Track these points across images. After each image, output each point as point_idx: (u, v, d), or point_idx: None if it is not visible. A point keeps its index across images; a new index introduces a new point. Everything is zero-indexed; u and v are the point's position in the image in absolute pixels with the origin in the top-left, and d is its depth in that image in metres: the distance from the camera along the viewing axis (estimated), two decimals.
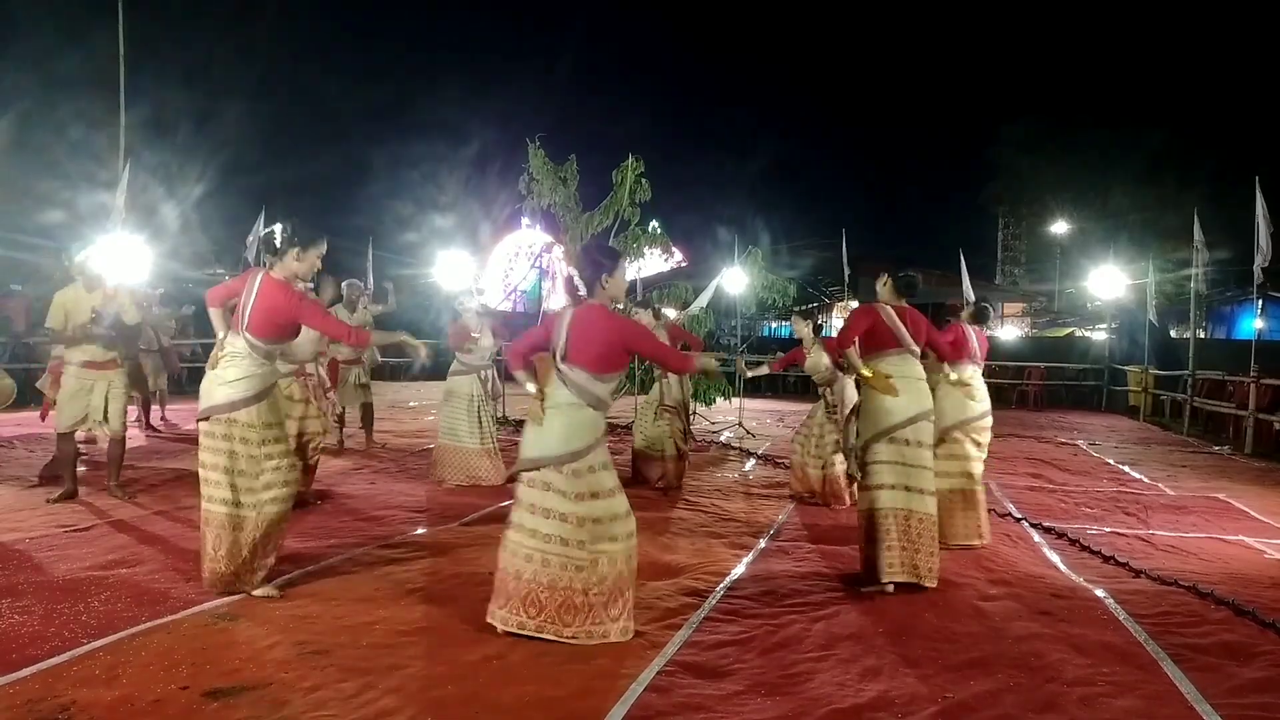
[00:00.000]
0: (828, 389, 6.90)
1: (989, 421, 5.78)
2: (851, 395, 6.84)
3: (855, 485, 5.25)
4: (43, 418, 6.84)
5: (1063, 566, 5.06)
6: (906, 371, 4.52)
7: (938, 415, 4.95)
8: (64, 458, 5.95)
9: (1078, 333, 27.04)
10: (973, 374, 5.71)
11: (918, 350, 4.62)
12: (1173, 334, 21.46)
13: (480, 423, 7.13)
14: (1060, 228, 34.42)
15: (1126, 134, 29.80)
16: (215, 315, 4.16)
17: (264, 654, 3.25)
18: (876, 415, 4.46)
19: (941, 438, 5.35)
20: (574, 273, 3.68)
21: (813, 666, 3.37)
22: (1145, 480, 8.53)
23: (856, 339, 4.64)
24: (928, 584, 4.35)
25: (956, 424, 5.57)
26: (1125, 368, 17.80)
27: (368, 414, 9.08)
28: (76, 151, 17.27)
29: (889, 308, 4.62)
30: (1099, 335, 23.20)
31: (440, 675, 3.13)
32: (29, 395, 9.56)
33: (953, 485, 5.41)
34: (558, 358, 3.58)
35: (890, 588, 4.32)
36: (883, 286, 4.69)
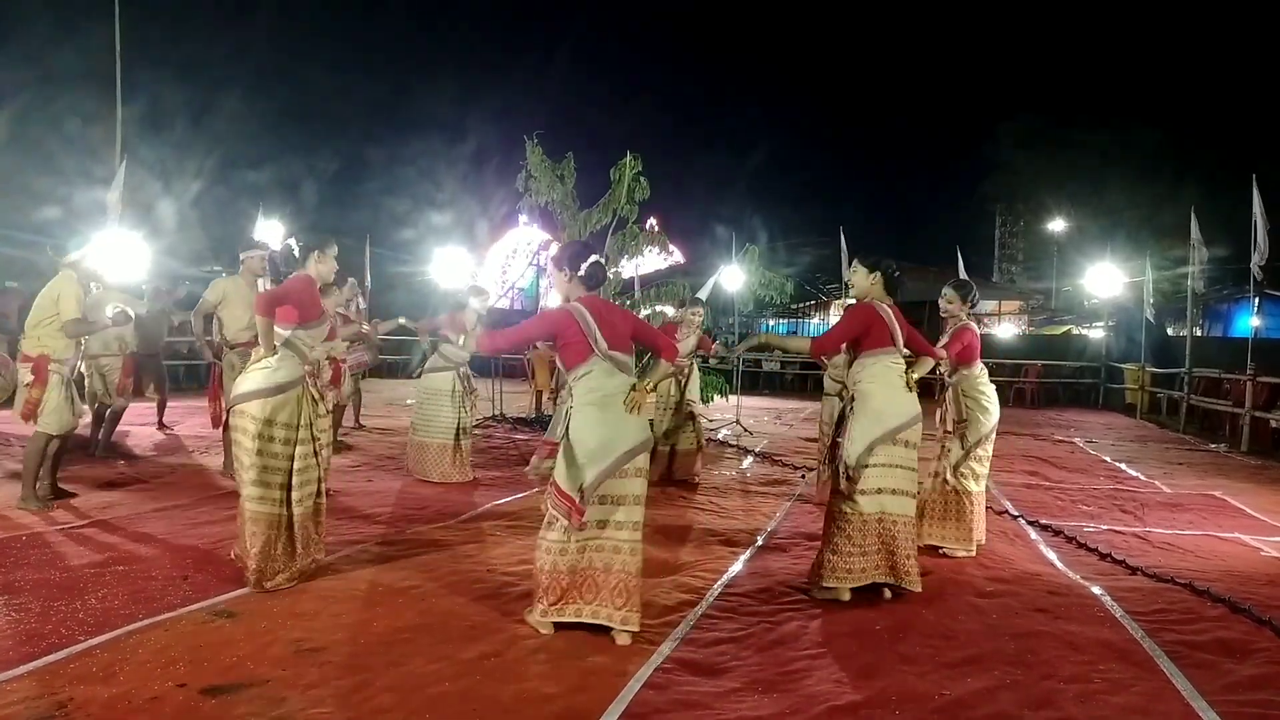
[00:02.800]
0: (844, 388, 6.81)
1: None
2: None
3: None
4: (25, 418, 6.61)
5: (1059, 564, 5.07)
6: (900, 372, 4.35)
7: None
8: (46, 460, 5.61)
9: (1075, 330, 27.09)
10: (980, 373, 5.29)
11: (904, 350, 4.41)
12: (1169, 332, 21.51)
13: (459, 420, 7.09)
14: (1057, 225, 34.48)
15: (1124, 132, 29.88)
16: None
17: (261, 651, 3.25)
18: (881, 417, 4.23)
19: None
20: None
21: (810, 664, 3.37)
22: (1142, 478, 8.55)
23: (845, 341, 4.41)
24: (910, 586, 4.16)
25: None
26: (1122, 365, 17.84)
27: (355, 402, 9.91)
28: (72, 147, 17.25)
29: (885, 305, 4.36)
30: (1096, 333, 23.24)
31: (437, 673, 3.13)
32: None
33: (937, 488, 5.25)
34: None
35: (846, 595, 4.09)
36: (873, 283, 4.36)
